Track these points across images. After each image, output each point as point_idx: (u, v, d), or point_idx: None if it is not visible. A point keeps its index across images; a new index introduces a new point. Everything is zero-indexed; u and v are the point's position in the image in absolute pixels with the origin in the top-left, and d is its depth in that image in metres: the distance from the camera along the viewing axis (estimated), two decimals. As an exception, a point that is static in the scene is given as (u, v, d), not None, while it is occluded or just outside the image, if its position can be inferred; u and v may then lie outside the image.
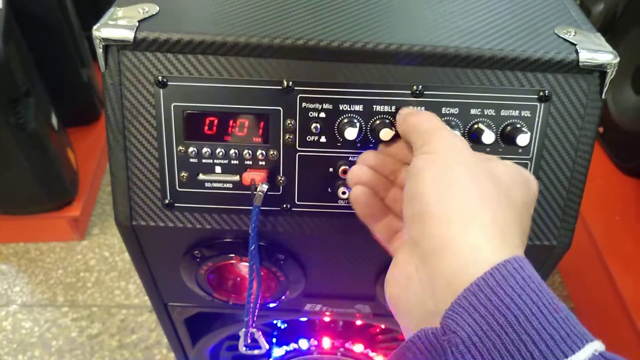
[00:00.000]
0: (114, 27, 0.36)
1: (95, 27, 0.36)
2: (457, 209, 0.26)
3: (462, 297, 0.24)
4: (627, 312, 1.15)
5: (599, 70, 0.37)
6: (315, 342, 0.58)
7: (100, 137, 1.58)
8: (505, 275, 0.23)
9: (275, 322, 0.58)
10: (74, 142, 1.43)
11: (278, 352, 0.59)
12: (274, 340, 0.59)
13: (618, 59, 0.36)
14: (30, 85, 1.14)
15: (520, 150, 0.38)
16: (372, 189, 0.34)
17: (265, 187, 0.37)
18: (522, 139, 0.36)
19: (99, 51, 0.36)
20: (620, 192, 1.36)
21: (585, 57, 0.36)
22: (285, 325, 0.59)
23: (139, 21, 0.36)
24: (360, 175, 0.34)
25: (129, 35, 0.36)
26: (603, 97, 0.38)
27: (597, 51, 0.36)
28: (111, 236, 1.49)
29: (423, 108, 0.38)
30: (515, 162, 0.39)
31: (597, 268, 1.26)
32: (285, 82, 0.37)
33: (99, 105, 1.56)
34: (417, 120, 0.33)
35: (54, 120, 1.28)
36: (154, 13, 0.37)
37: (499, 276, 0.23)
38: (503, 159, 0.38)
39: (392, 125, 0.37)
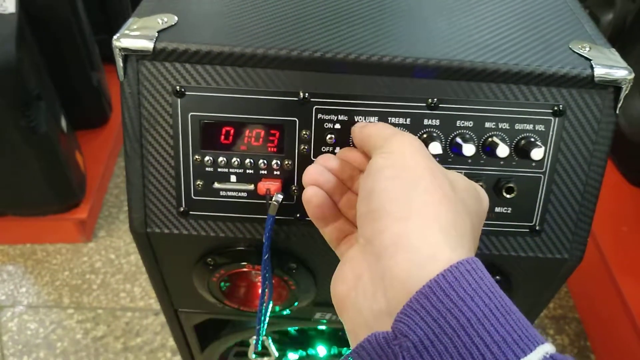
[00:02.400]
0: (134, 38, 0.36)
1: (115, 37, 0.36)
2: (416, 209, 0.26)
3: (414, 299, 0.23)
4: (634, 323, 1.14)
5: (614, 86, 0.37)
6: (325, 351, 0.58)
7: (108, 141, 1.59)
8: (458, 277, 0.23)
9: (286, 330, 0.58)
10: (82, 145, 1.44)
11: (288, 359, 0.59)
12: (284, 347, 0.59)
13: (633, 75, 0.37)
14: (41, 89, 1.15)
15: (534, 164, 0.39)
16: (327, 191, 0.34)
17: (280, 197, 0.38)
18: (537, 153, 0.37)
19: (119, 60, 0.37)
20: (628, 204, 1.35)
21: (600, 72, 0.36)
22: (296, 332, 0.59)
23: (158, 32, 0.37)
24: (316, 176, 0.33)
25: (148, 45, 0.36)
26: (617, 112, 0.38)
27: (612, 67, 0.37)
28: (117, 239, 1.50)
29: (438, 121, 0.38)
30: (529, 175, 0.39)
31: (604, 279, 1.26)
32: (301, 94, 0.37)
33: (107, 109, 1.57)
34: (375, 128, 0.33)
35: (64, 123, 1.29)
36: (173, 24, 0.38)
37: (452, 278, 0.23)
38: (517, 172, 0.39)
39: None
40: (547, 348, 0.21)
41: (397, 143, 0.30)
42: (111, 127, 1.60)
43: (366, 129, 0.33)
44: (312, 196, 0.33)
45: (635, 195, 1.36)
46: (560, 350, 1.33)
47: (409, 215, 0.26)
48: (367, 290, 0.27)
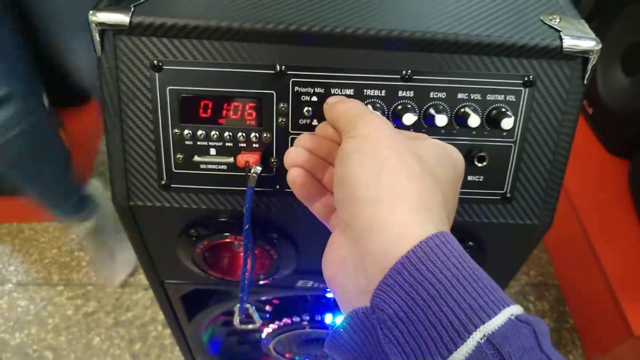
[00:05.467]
0: (110, 12, 0.36)
1: (90, 11, 0.36)
2: (385, 191, 0.27)
3: (388, 275, 0.25)
4: (610, 288, 1.18)
5: (582, 57, 0.38)
6: (308, 317, 0.60)
7: (91, 119, 1.57)
8: (427, 251, 0.24)
9: (269, 298, 0.60)
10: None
11: (271, 326, 0.61)
12: (268, 315, 0.61)
13: (600, 46, 0.38)
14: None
15: (504, 134, 0.40)
16: (309, 170, 0.35)
17: (259, 168, 0.39)
18: (507, 123, 0.38)
19: (95, 36, 0.37)
20: (607, 172, 1.38)
21: (569, 43, 0.37)
22: (279, 300, 0.61)
23: (134, 5, 0.37)
24: (295, 157, 0.35)
25: (124, 19, 0.36)
26: (585, 82, 0.39)
27: (580, 38, 0.38)
28: (105, 216, 1.50)
29: (412, 92, 0.39)
30: (501, 145, 0.40)
31: (582, 246, 1.30)
32: (278, 67, 0.38)
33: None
34: (343, 108, 0.33)
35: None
36: (149, -3, 0.38)
37: (421, 253, 0.24)
38: (489, 142, 0.40)
39: (381, 109, 0.38)
40: (513, 310, 0.23)
41: (363, 126, 0.30)
42: (93, 105, 1.58)
43: (334, 109, 0.34)
44: (295, 177, 0.35)
45: (614, 163, 1.39)
46: (540, 316, 1.37)
47: (378, 199, 0.27)
48: (351, 271, 0.28)
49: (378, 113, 0.33)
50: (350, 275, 0.28)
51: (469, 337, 0.22)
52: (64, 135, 1.39)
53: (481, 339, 0.22)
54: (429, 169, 0.29)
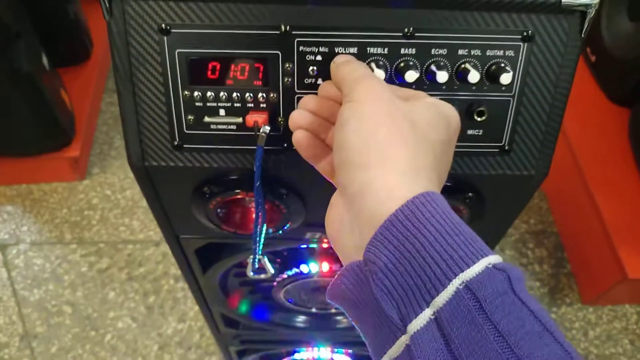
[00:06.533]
0: (116, -24, 0.37)
1: (98, -24, 0.37)
2: (376, 157, 0.29)
3: (378, 232, 0.27)
4: (607, 234, 1.22)
5: (580, 11, 0.39)
6: (317, 267, 0.63)
7: (92, 77, 1.57)
8: (413, 209, 0.27)
9: (279, 249, 0.63)
10: (65, 82, 1.43)
11: (282, 276, 0.64)
12: (278, 266, 0.64)
13: (598, 0, 0.38)
14: (20, 26, 1.12)
15: (503, 88, 0.41)
16: (313, 131, 0.37)
17: (267, 128, 0.40)
18: (505, 78, 0.39)
19: (104, 1, 0.38)
20: (608, 121, 1.39)
21: (567, -3, 0.38)
22: (289, 252, 0.64)
23: (139, -31, 0.37)
24: (299, 120, 0.37)
25: (131, -16, 0.37)
26: (583, 36, 0.40)
27: (578, -9, 0.38)
28: (111, 175, 1.53)
29: (414, 50, 0.40)
30: (499, 99, 0.42)
31: (581, 194, 1.32)
32: (282, 27, 0.39)
33: (88, 44, 1.53)
34: (346, 70, 0.35)
35: (45, 61, 1.27)
36: (153, -40, 0.38)
37: (408, 211, 0.27)
38: (488, 96, 0.42)
39: (384, 67, 0.40)
40: (491, 259, 0.25)
41: (361, 90, 0.32)
42: (93, 62, 1.57)
43: (339, 71, 0.36)
44: (301, 139, 0.37)
45: (615, 112, 1.40)
46: (539, 262, 1.42)
47: (370, 164, 0.29)
48: (347, 230, 0.31)
49: (378, 77, 0.34)
50: (347, 233, 0.31)
51: (449, 284, 0.24)
52: (65, 97, 1.39)
53: (460, 285, 0.24)
54: (421, 133, 0.31)
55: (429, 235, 0.26)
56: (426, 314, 0.25)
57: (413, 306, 0.25)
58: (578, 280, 1.38)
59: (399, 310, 0.26)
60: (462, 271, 0.25)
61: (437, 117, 0.32)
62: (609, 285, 1.25)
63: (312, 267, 0.63)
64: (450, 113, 0.33)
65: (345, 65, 0.35)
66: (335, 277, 0.31)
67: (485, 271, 0.25)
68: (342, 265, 0.31)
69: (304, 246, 0.62)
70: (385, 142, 0.30)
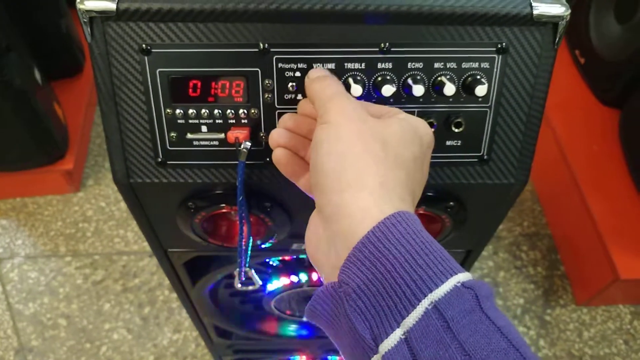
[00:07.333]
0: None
1: (78, 0, 0.38)
2: (348, 180, 0.30)
3: (351, 254, 0.28)
4: (599, 236, 1.22)
5: (552, 23, 0.40)
6: (306, 277, 0.64)
7: (85, 90, 1.57)
8: (384, 230, 0.28)
9: (268, 260, 0.64)
10: (58, 95, 1.43)
11: (271, 286, 0.65)
12: (268, 276, 0.64)
13: (569, 12, 0.39)
14: (10, 40, 1.13)
15: (480, 99, 0.42)
16: (292, 149, 0.37)
17: (248, 144, 0.41)
18: (481, 90, 0.40)
19: (84, 23, 0.38)
20: (599, 123, 1.40)
21: (539, 11, 0.39)
22: (278, 262, 0.64)
23: (119, -9, 0.38)
24: (278, 139, 0.37)
25: (111, 6, 0.38)
26: (556, 47, 0.41)
27: (550, 4, 0.39)
28: (105, 187, 1.53)
29: (391, 64, 0.41)
30: (476, 110, 0.43)
31: (574, 196, 1.33)
32: (261, 45, 0.40)
33: (80, 57, 1.54)
34: (318, 87, 0.36)
35: (38, 75, 1.28)
36: (133, -18, 0.39)
37: (379, 232, 0.28)
38: (465, 108, 0.42)
39: (362, 82, 0.40)
40: (460, 277, 0.26)
41: (333, 112, 0.33)
42: (86, 75, 1.58)
43: (311, 87, 0.36)
44: (280, 157, 0.37)
45: (606, 114, 1.40)
46: (533, 264, 1.43)
47: (343, 187, 0.30)
48: (325, 250, 0.32)
49: (349, 95, 0.35)
50: (324, 253, 0.32)
51: (418, 304, 0.25)
52: (58, 110, 1.40)
53: (429, 305, 0.25)
54: (392, 152, 0.31)
55: (399, 256, 0.27)
56: (397, 334, 0.25)
57: (385, 326, 0.26)
58: (572, 282, 1.39)
59: (372, 330, 0.26)
60: (431, 291, 0.25)
61: (409, 133, 0.33)
62: (602, 286, 1.25)
63: (301, 277, 0.64)
64: (422, 129, 0.34)
65: (317, 82, 0.36)
66: (313, 297, 0.31)
67: (454, 290, 0.25)
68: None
69: (293, 257, 0.62)
70: (356, 164, 0.30)
